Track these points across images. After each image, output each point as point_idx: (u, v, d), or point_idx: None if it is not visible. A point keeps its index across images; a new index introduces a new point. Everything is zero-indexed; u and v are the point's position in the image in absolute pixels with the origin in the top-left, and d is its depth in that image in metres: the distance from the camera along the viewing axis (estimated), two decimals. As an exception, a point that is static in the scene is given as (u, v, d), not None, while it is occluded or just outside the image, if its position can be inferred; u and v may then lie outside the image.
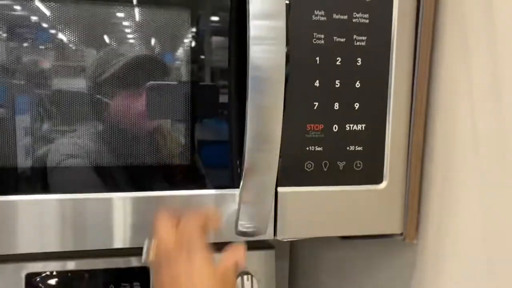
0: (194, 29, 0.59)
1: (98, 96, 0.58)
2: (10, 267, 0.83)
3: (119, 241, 0.60)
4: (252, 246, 0.92)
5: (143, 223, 0.60)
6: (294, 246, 1.10)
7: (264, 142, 0.55)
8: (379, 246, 0.78)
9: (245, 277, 0.92)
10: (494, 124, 0.57)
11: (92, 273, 0.86)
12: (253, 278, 0.91)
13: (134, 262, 0.87)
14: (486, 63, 0.58)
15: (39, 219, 0.58)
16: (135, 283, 0.88)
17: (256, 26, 0.53)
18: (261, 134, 0.55)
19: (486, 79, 0.58)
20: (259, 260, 0.94)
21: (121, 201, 0.59)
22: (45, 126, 0.58)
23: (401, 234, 0.68)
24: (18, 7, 0.55)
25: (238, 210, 0.58)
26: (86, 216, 0.59)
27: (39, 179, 0.58)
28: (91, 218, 0.59)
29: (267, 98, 0.55)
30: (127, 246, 0.61)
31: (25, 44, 0.56)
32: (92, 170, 0.59)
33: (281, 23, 0.54)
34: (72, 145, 0.59)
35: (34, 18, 0.55)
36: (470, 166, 0.60)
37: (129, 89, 0.59)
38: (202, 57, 0.60)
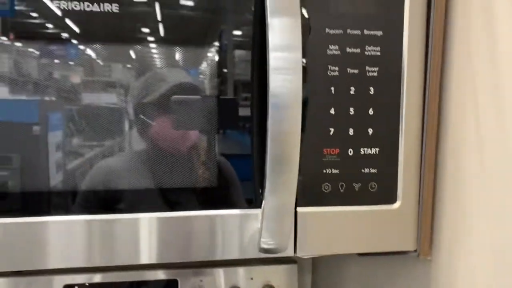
0: (218, 44, 0.63)
1: (135, 118, 0.61)
2: (45, 278, 0.86)
3: (146, 257, 0.63)
4: (276, 260, 0.94)
5: (169, 240, 0.63)
6: (316, 260, 1.10)
7: (283, 165, 0.58)
8: (397, 261, 0.79)
9: (268, 290, 0.94)
10: (500, 143, 0.58)
11: (127, 285, 0.89)
12: (277, 291, 0.94)
13: (161, 275, 0.90)
14: (491, 88, 0.60)
15: (69, 238, 0.61)
16: (164, 295, 0.91)
17: (275, 58, 0.56)
18: (281, 158, 0.57)
19: (490, 100, 0.60)
20: (282, 274, 0.95)
21: (147, 222, 0.62)
22: (76, 152, 0.61)
23: (415, 250, 0.69)
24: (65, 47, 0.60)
25: (261, 228, 0.60)
26: (113, 236, 0.61)
27: (69, 200, 0.61)
28: (118, 237, 0.62)
29: (286, 123, 0.57)
30: (153, 262, 0.63)
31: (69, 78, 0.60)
32: (119, 191, 0.62)
33: (298, 55, 0.57)
34: (103, 168, 0.62)
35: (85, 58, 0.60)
36: (480, 185, 0.62)
37: (161, 112, 0.62)
38: (225, 70, 0.63)
